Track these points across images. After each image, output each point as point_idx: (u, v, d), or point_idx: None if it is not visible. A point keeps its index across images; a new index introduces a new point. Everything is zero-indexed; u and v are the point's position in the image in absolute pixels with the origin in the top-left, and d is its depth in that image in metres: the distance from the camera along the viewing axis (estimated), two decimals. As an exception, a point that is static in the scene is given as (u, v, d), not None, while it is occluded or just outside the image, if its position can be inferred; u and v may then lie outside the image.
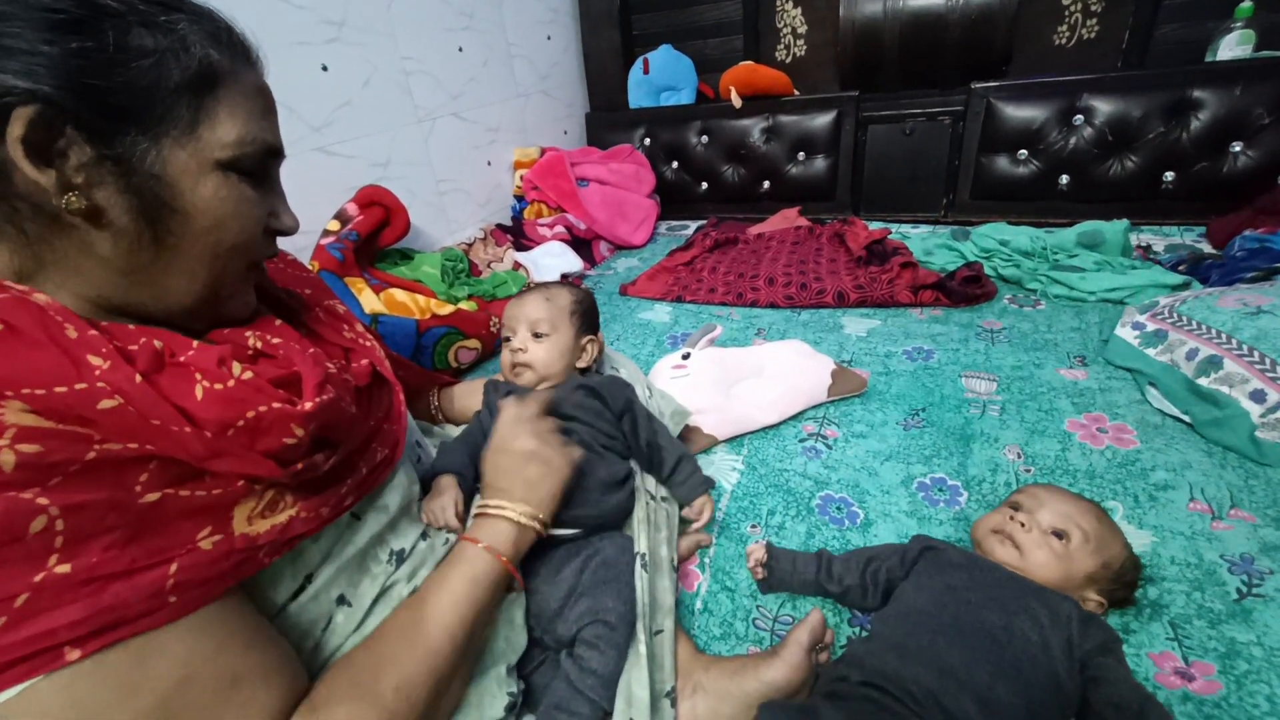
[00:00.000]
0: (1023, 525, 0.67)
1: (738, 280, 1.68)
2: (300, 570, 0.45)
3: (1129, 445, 0.91)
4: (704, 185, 2.33)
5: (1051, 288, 1.41)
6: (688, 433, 1.03)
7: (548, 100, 2.29)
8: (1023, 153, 1.81)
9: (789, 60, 2.30)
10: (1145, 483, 0.84)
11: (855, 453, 0.97)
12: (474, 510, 0.61)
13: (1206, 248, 1.50)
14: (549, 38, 2.26)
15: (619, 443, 0.79)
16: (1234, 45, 1.60)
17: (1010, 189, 1.85)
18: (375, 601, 0.49)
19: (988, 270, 1.52)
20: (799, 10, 2.21)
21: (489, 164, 2.04)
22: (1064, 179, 1.77)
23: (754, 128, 2.18)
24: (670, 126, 2.31)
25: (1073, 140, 1.73)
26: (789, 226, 2.05)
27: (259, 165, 0.45)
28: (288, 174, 0.53)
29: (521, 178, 2.12)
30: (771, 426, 1.06)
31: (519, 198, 2.14)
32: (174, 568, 0.36)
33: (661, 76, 2.32)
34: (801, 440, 1.02)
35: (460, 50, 1.84)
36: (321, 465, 0.45)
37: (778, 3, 2.20)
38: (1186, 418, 0.95)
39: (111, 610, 0.34)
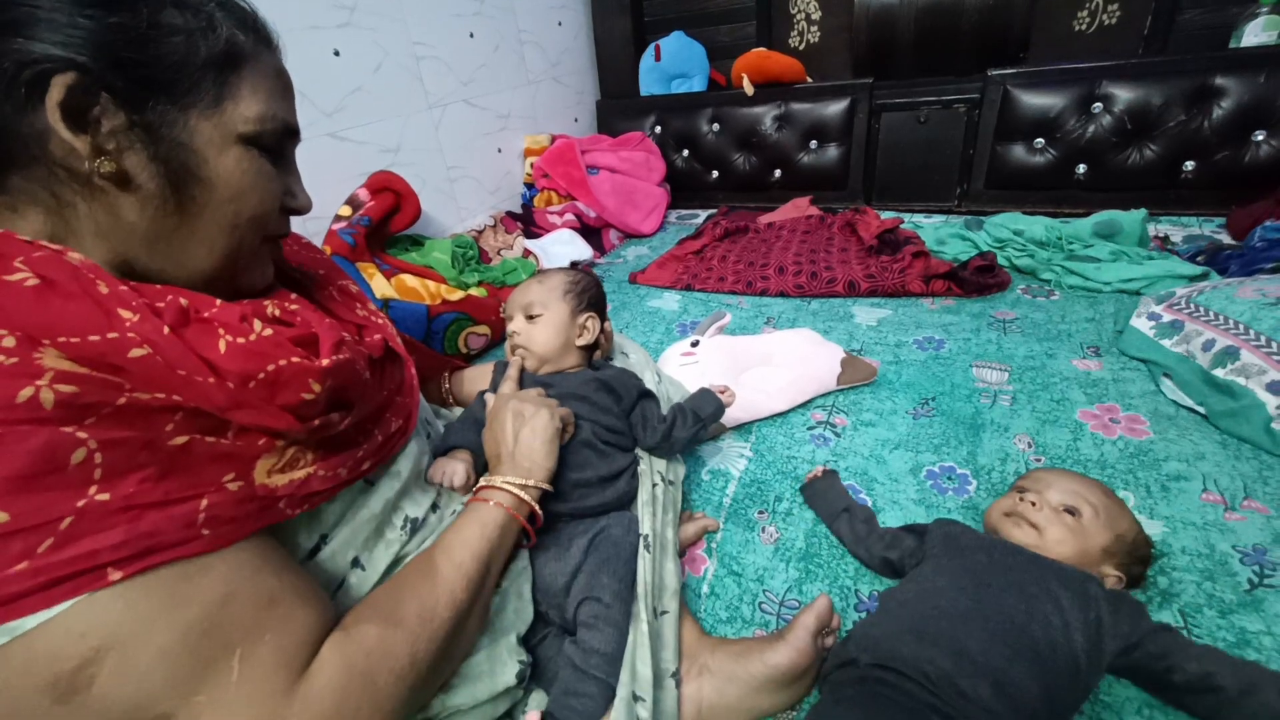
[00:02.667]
0: (1034, 505, 0.67)
1: (748, 269, 1.67)
2: (316, 529, 0.48)
3: (1142, 436, 0.90)
4: (715, 174, 2.31)
5: (1066, 278, 1.39)
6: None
7: (558, 87, 2.28)
8: (1039, 141, 1.78)
9: (802, 47, 2.27)
10: (1158, 473, 0.83)
11: (864, 441, 0.97)
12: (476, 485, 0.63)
13: (1226, 238, 1.47)
14: (560, 24, 2.25)
15: (624, 438, 0.79)
16: (1259, 31, 1.57)
17: (1026, 178, 1.82)
18: (389, 568, 0.51)
19: (1001, 260, 1.50)
20: (814, -5, 2.17)
21: (499, 151, 2.04)
22: (1081, 168, 1.75)
23: (766, 116, 2.16)
24: (681, 114, 2.30)
25: (1091, 128, 1.70)
26: (800, 215, 2.03)
27: (278, 143, 0.47)
28: (301, 159, 0.54)
29: (532, 165, 2.11)
30: (780, 414, 1.06)
31: (529, 185, 2.14)
32: (204, 503, 0.38)
33: (673, 64, 2.30)
34: (810, 428, 1.02)
35: (471, 36, 1.84)
36: (338, 424, 0.47)
37: (791, -12, 2.17)
38: (1201, 409, 0.94)
39: (150, 535, 0.36)
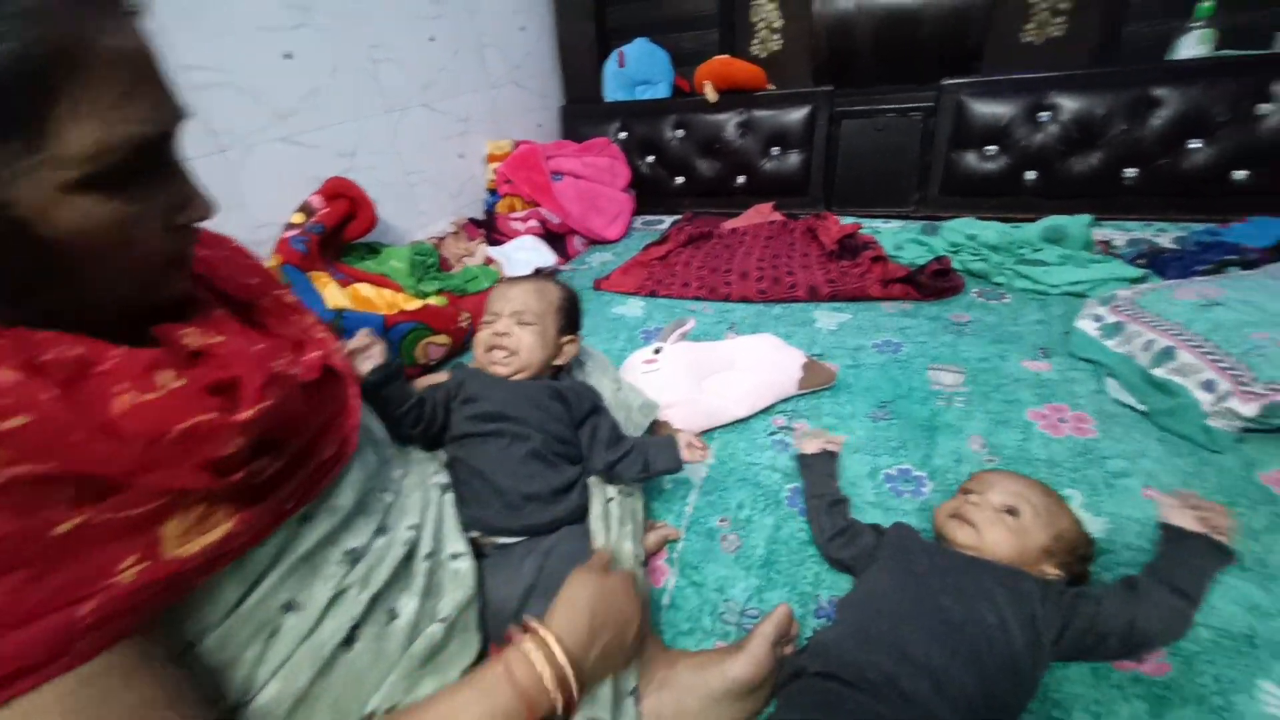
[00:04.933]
0: (976, 505, 0.68)
1: (711, 275, 1.68)
2: (244, 579, 0.43)
3: (1088, 434, 0.93)
4: (679, 179, 2.32)
5: (1017, 281, 1.43)
6: (657, 426, 1.03)
7: (521, 92, 2.26)
8: (991, 149, 1.83)
9: (764, 55, 2.30)
10: (1102, 471, 0.86)
11: (823, 445, 0.98)
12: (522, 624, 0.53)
13: (1165, 242, 1.53)
14: (522, 28, 2.23)
15: (573, 449, 0.77)
16: (1194, 44, 1.64)
17: (979, 184, 1.87)
18: (330, 605, 0.48)
19: (956, 264, 1.54)
20: (774, 5, 2.21)
21: (461, 156, 2.01)
22: (1031, 175, 1.80)
23: (729, 122, 2.18)
24: (646, 120, 2.30)
25: (1039, 137, 1.76)
26: (763, 221, 2.06)
27: (133, 166, 0.35)
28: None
29: (494, 171, 2.09)
30: (741, 420, 1.06)
31: (492, 191, 2.11)
32: (88, 607, 0.33)
33: (637, 69, 2.30)
34: (771, 433, 1.02)
35: (431, 40, 1.81)
36: (264, 471, 0.42)
37: (751, 1, 2.20)
38: (1142, 407, 0.97)
39: (12, 660, 0.31)
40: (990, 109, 1.81)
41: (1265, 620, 0.63)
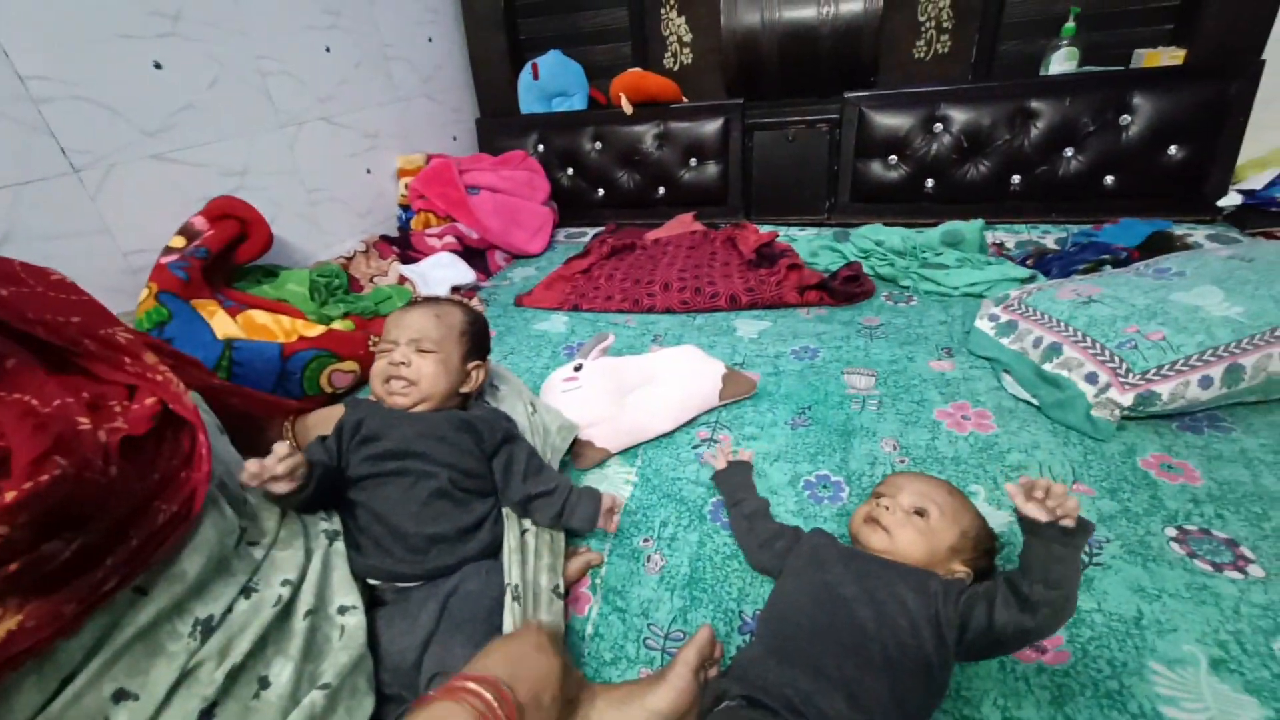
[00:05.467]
0: (887, 509, 0.69)
1: (634, 287, 1.67)
2: (51, 675, 0.36)
3: (988, 430, 0.98)
4: (600, 191, 2.31)
5: (921, 284, 1.50)
6: (579, 446, 1.00)
7: (432, 105, 2.18)
8: (893, 158, 1.93)
9: (677, 68, 2.33)
10: (1003, 464, 0.90)
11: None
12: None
13: (1048, 243, 1.66)
14: (430, 40, 2.16)
15: (485, 482, 0.74)
16: (1062, 61, 1.79)
17: (884, 192, 1.97)
18: (174, 688, 0.41)
19: (866, 269, 1.60)
20: (683, 19, 2.24)
21: (369, 172, 1.91)
22: (929, 182, 1.91)
23: (646, 134, 2.19)
24: (563, 132, 2.28)
25: (934, 146, 1.86)
26: (685, 231, 2.07)
27: None
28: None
29: (406, 186, 2.00)
30: (665, 435, 1.05)
31: (405, 207, 2.02)
32: None
33: (552, 82, 2.28)
34: (695, 446, 1.02)
35: (328, 50, 1.72)
36: (59, 554, 0.36)
37: (663, 11, 2.23)
38: (1035, 401, 1.03)
39: None
40: (889, 120, 1.90)
41: (1150, 601, 0.68)
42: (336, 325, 1.31)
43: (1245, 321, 0.97)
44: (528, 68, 2.26)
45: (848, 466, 0.93)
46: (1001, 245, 1.67)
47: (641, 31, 2.29)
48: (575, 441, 0.98)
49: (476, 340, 0.83)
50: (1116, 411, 0.95)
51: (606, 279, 1.75)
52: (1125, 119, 1.69)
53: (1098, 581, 0.71)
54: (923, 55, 1.99)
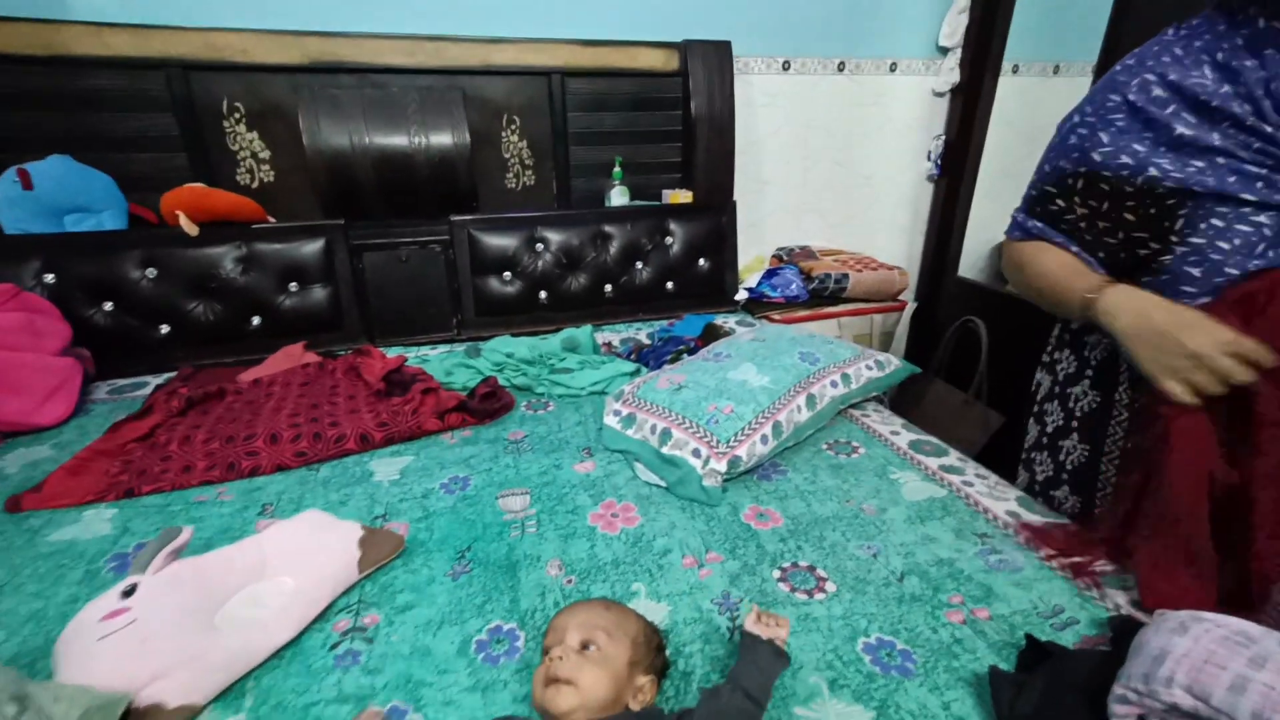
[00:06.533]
0: (560, 658, 0.65)
1: (226, 446, 1.31)
2: None
3: (635, 523, 1.06)
4: (164, 328, 1.81)
5: (555, 389, 1.60)
6: (140, 716, 0.68)
7: None
8: (507, 274, 2.07)
9: (255, 185, 2.05)
10: (652, 554, 0.98)
11: (402, 634, 0.82)
12: None
13: (643, 338, 1.99)
14: None
15: None
16: (618, 196, 2.24)
17: (505, 305, 2.08)
18: None
19: (502, 381, 1.63)
20: (255, 134, 2.01)
21: None
22: (542, 294, 2.11)
23: (225, 257, 1.84)
24: (91, 258, 1.73)
25: (540, 263, 2.08)
26: (295, 365, 1.77)
27: None
28: None
29: None
30: (287, 644, 0.80)
31: None
32: None
33: (60, 194, 1.72)
34: (333, 647, 0.80)
35: None
36: None
37: (226, 124, 1.95)
38: (664, 483, 1.17)
39: None
40: (497, 241, 2.05)
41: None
42: None
43: (773, 387, 1.30)
44: (9, 174, 1.66)
45: (519, 608, 0.87)
46: (610, 344, 1.93)
47: (200, 142, 1.96)
48: (129, 713, 0.66)
49: None
50: (720, 478, 1.14)
51: (182, 443, 1.33)
52: (669, 240, 2.20)
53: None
54: (514, 186, 2.24)
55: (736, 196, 2.33)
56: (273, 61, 1.91)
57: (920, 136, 2.64)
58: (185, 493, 1.18)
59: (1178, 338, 0.76)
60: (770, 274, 2.33)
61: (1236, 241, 0.78)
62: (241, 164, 2.03)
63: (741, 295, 2.30)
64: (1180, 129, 0.79)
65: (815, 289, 2.32)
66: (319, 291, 1.94)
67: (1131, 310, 0.82)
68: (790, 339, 1.52)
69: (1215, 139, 0.77)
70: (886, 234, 2.82)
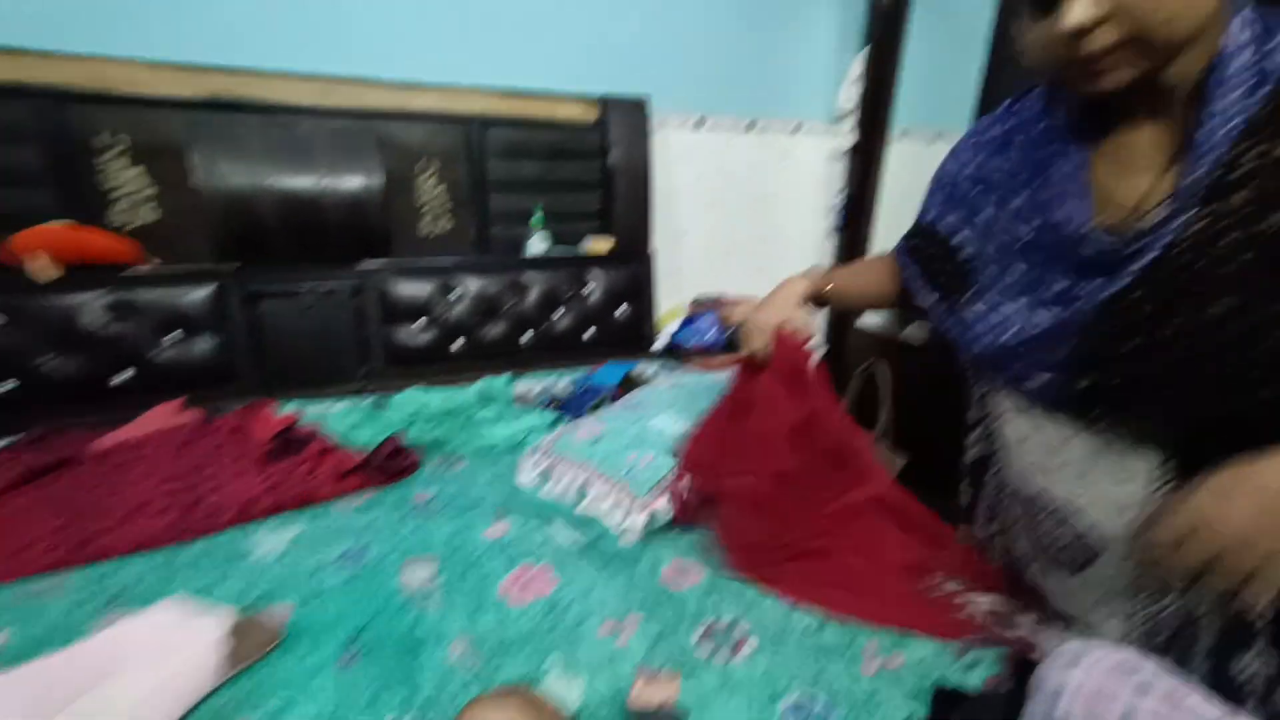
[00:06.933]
0: None
1: (76, 522, 1.14)
2: None
3: (549, 589, 0.98)
4: (10, 383, 1.59)
5: (469, 444, 1.52)
6: None
7: None
8: (420, 322, 1.98)
9: (137, 224, 1.88)
10: (566, 623, 0.91)
11: (279, 743, 0.71)
12: None
13: (561, 388, 1.94)
14: None
15: None
16: (539, 243, 2.23)
17: (417, 355, 1.99)
18: None
19: (411, 437, 1.53)
20: (139, 170, 1.85)
21: None
22: (459, 342, 2.03)
23: (91, 304, 1.65)
24: (-82, 304, 1.50)
25: (456, 310, 2.01)
26: (172, 425, 1.59)
27: None
28: None
29: None
30: (130, 768, 0.68)
31: None
32: None
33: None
34: (190, 764, 0.69)
35: None
36: None
37: (97, 160, 1.78)
38: (583, 541, 1.12)
39: None
40: (410, 288, 1.97)
41: (701, 714, 0.75)
42: None
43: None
44: None
45: (417, 697, 0.78)
46: (527, 394, 1.87)
47: (72, 179, 1.77)
48: None
49: None
50: (638, 535, 1.11)
51: (22, 517, 1.15)
52: (589, 287, 2.20)
53: None
54: (429, 233, 2.17)
55: (656, 245, 2.37)
56: (169, 94, 1.78)
57: (824, 193, 2.83)
58: (21, 584, 1.00)
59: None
60: (688, 321, 2.37)
61: (993, 321, 0.78)
62: (120, 201, 1.85)
63: (661, 343, 2.32)
64: (981, 210, 0.82)
65: (731, 336, 2.38)
66: (207, 341, 1.78)
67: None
68: (709, 385, 1.53)
69: (1000, 223, 0.78)
70: (799, 282, 2.96)
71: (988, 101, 2.00)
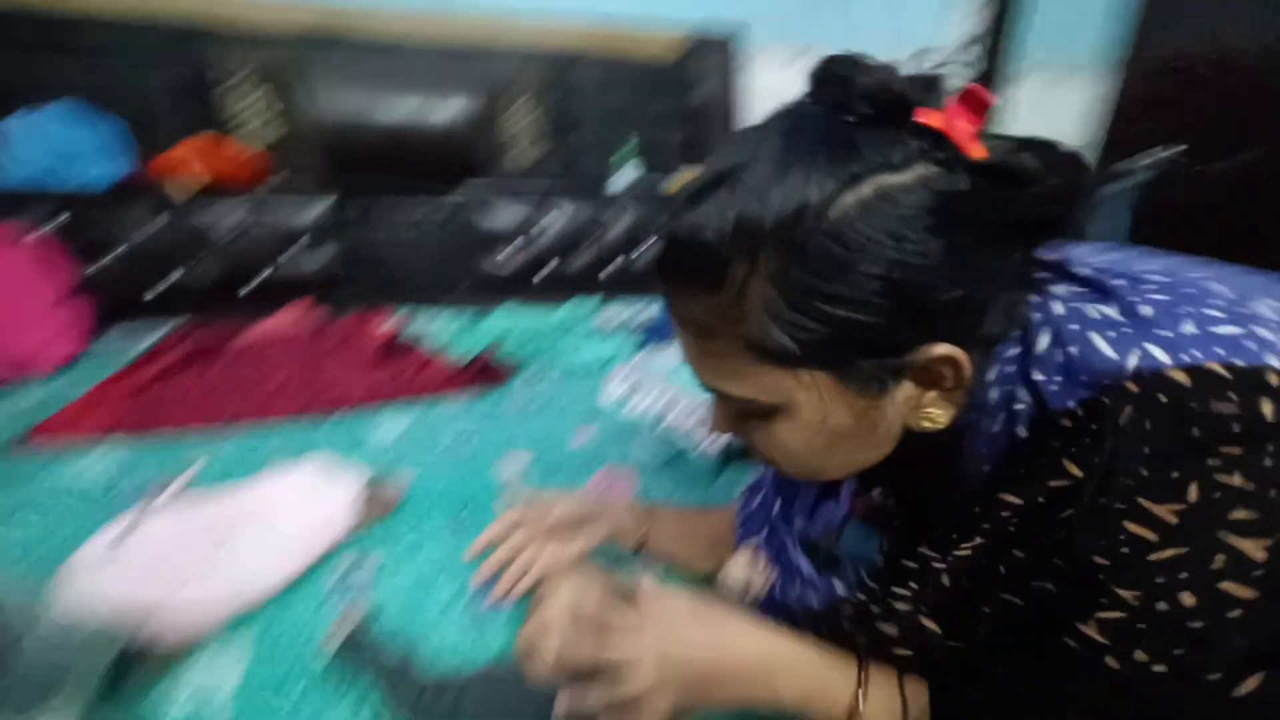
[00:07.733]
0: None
1: (231, 395, 1.32)
2: None
3: (629, 492, 1.05)
4: (164, 285, 1.82)
5: (557, 362, 1.61)
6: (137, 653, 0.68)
7: None
8: (516, 243, 2.08)
9: (263, 143, 2.04)
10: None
11: (406, 575, 0.83)
12: None
13: (646, 315, 1.97)
14: None
15: None
16: (630, 172, 2.24)
17: (514, 275, 2.09)
18: None
19: (504, 351, 1.63)
20: (257, 95, 1.99)
21: None
22: (548, 267, 2.11)
23: (231, 213, 1.83)
24: (98, 209, 1.73)
25: (545, 237, 2.08)
26: (297, 326, 1.78)
27: None
28: None
29: None
30: (290, 585, 0.81)
31: None
32: None
33: (64, 140, 1.72)
34: (341, 577, 0.82)
35: None
36: None
37: (220, 89, 1.94)
38: (664, 456, 1.18)
39: None
40: (505, 212, 2.05)
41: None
42: None
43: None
44: (14, 118, 1.65)
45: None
46: (614, 319, 1.93)
47: (201, 104, 1.94)
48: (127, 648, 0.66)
49: None
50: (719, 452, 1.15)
51: (190, 387, 1.34)
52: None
53: None
54: (519, 164, 2.23)
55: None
56: (281, 29, 1.91)
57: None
58: (193, 433, 1.19)
59: None
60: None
61: None
62: (243, 126, 2.02)
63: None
64: None
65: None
66: (324, 253, 1.94)
67: None
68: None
69: None
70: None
71: (1146, 29, 1.73)
